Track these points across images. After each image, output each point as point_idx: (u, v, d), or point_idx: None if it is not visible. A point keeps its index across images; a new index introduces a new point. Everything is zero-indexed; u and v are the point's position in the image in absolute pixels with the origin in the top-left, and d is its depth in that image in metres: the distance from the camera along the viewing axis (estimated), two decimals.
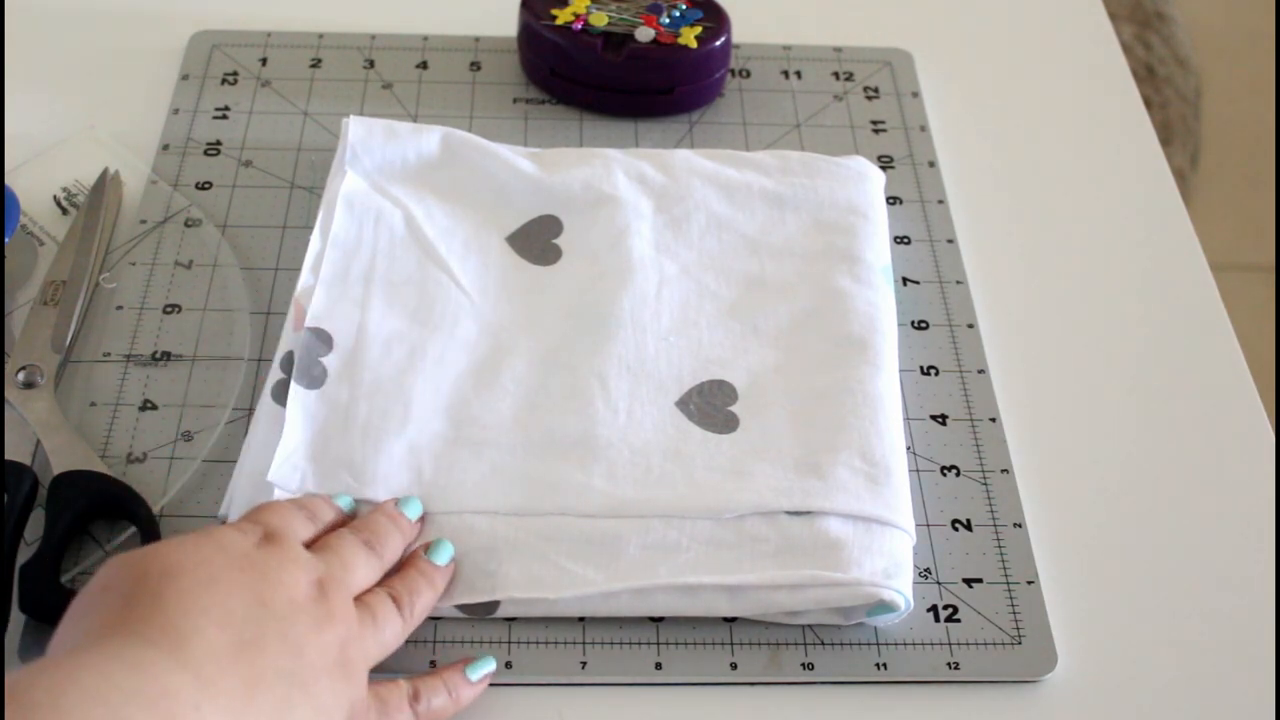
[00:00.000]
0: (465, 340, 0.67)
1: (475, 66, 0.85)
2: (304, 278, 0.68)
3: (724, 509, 0.61)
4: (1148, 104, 0.92)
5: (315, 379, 0.64)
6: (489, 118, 0.82)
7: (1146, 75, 1.82)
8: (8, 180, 0.74)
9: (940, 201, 0.78)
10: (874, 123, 0.83)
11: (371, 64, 0.85)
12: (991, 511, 0.64)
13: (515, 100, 0.83)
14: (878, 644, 0.59)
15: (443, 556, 0.59)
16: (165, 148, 0.79)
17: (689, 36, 0.80)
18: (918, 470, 0.66)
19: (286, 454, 0.62)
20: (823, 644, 0.59)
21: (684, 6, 0.81)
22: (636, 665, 0.58)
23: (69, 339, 0.67)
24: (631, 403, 0.65)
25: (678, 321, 0.69)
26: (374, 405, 0.64)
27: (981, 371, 0.70)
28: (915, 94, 0.85)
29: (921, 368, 0.70)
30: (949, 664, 0.59)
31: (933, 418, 0.68)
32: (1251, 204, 1.88)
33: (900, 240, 0.76)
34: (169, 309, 0.70)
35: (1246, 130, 1.96)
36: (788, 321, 0.69)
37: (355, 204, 0.71)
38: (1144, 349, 0.73)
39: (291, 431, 0.62)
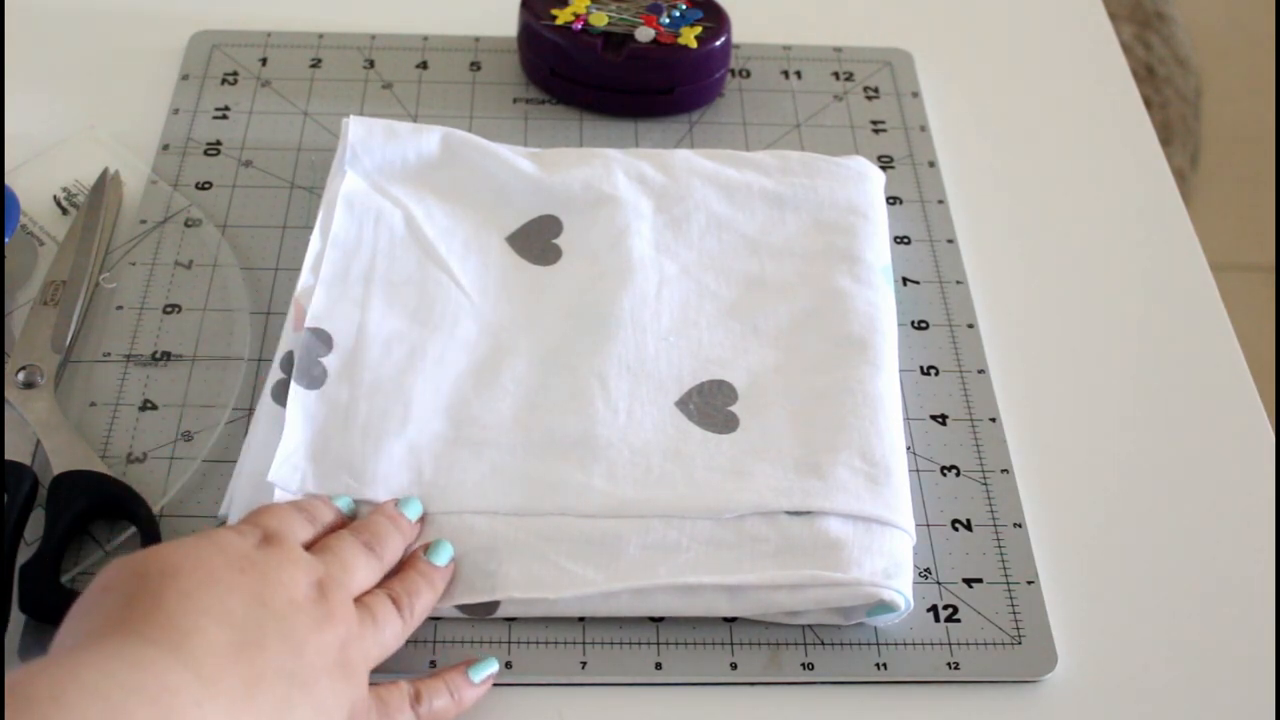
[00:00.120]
0: (465, 340, 0.67)
1: (475, 66, 0.85)
2: (304, 278, 0.68)
3: (724, 509, 0.61)
4: (1148, 104, 0.92)
5: (315, 379, 0.64)
6: (489, 118, 0.82)
7: (1146, 75, 1.82)
8: (8, 180, 0.74)
9: (940, 201, 0.78)
10: (874, 123, 0.83)
11: (371, 64, 0.85)
12: (991, 511, 0.64)
13: (515, 100, 0.83)
14: (878, 644, 0.59)
15: (442, 557, 0.59)
16: (165, 148, 0.79)
17: (689, 36, 0.80)
18: (918, 470, 0.66)
19: (286, 454, 0.62)
20: (823, 644, 0.59)
21: (684, 6, 0.81)
22: (636, 665, 0.58)
23: (69, 339, 0.67)
24: (631, 403, 0.65)
25: (678, 321, 0.69)
26: (374, 405, 0.64)
27: (981, 371, 0.70)
28: (915, 94, 0.85)
29: (921, 368, 0.70)
30: (949, 664, 0.59)
31: (933, 418, 0.68)
32: (1251, 204, 1.88)
33: (900, 240, 0.76)
34: (169, 309, 0.70)
35: (1246, 130, 1.96)
36: (788, 321, 0.69)
37: (355, 204, 0.71)
38: (1144, 349, 0.73)
39: (291, 431, 0.62)
